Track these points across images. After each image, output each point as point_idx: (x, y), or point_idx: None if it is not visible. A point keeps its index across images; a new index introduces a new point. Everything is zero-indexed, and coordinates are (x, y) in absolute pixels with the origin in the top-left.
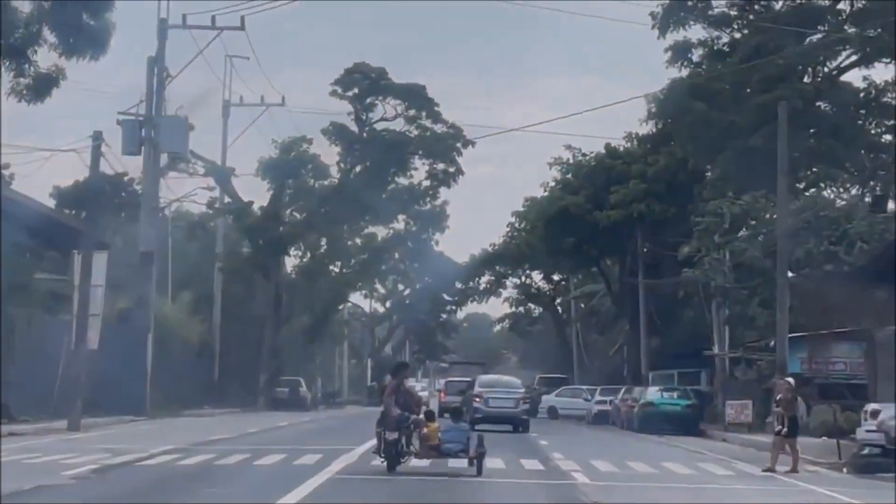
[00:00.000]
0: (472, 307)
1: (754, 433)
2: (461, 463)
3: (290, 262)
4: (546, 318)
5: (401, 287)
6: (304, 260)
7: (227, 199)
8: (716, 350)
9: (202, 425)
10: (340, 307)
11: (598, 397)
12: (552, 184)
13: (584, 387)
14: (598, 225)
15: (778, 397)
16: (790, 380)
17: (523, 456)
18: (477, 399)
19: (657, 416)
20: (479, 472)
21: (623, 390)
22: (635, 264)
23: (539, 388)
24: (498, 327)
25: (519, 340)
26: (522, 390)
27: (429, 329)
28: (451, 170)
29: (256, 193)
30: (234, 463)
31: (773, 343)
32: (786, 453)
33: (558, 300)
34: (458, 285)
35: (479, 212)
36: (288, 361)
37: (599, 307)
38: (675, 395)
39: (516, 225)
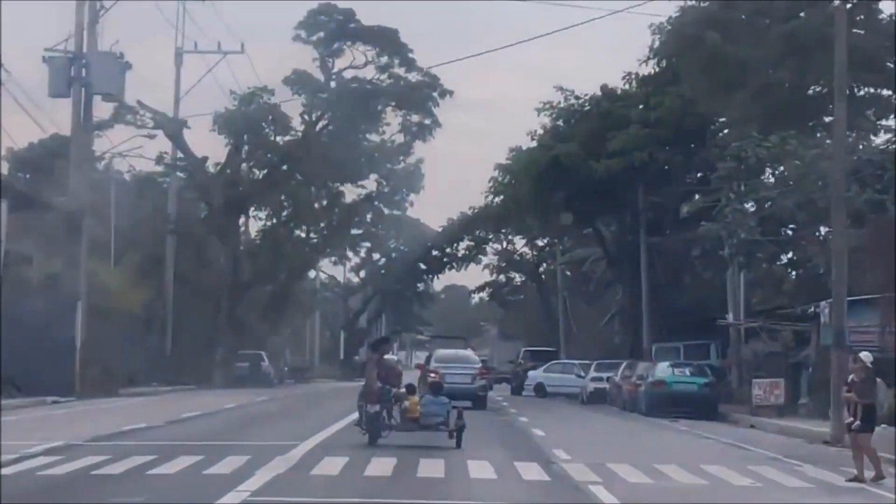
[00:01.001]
0: (449, 277)
1: (789, 418)
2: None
3: (253, 226)
4: (529, 288)
5: (375, 256)
6: (268, 224)
7: (179, 156)
8: (730, 318)
9: (132, 409)
10: (310, 275)
11: (593, 373)
12: (541, 132)
13: (576, 361)
14: (594, 177)
15: (850, 379)
16: (867, 355)
17: (518, 457)
18: (432, 375)
19: (669, 396)
20: (459, 445)
21: (623, 366)
22: (636, 222)
23: (524, 362)
24: (476, 299)
25: (498, 312)
26: (479, 366)
27: (405, 300)
28: (427, 122)
29: (212, 149)
30: (120, 473)
31: (812, 309)
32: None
33: (542, 267)
34: (435, 253)
35: (458, 174)
36: (251, 334)
37: (590, 274)
38: (688, 371)
39: (500, 180)
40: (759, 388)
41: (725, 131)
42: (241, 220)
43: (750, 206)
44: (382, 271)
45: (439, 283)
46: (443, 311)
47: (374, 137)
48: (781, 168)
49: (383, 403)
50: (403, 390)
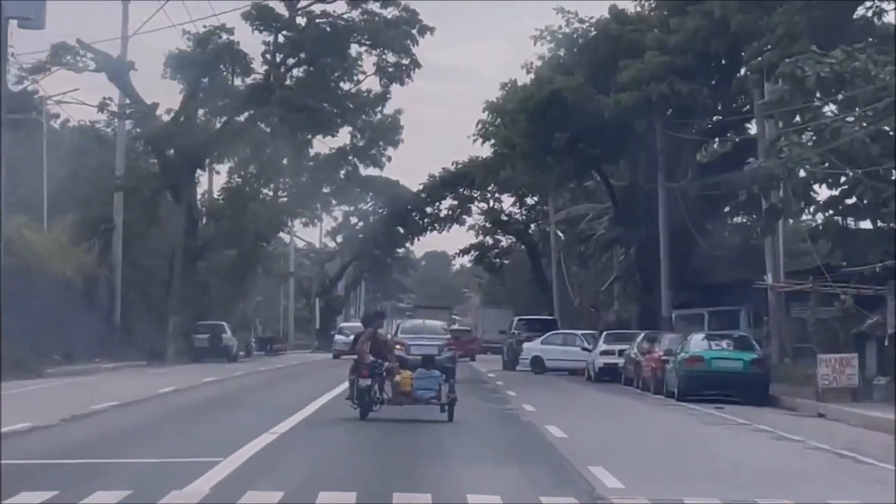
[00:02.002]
0: (430, 242)
1: (865, 404)
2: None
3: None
4: (517, 252)
5: (353, 220)
6: (231, 181)
7: (126, 102)
8: (769, 280)
9: (33, 397)
10: (284, 240)
11: (602, 346)
12: (539, 64)
13: (578, 332)
14: (602, 115)
15: None
16: None
17: (542, 485)
18: (398, 346)
19: (709, 377)
20: (451, 419)
21: (641, 338)
22: (651, 167)
23: (518, 333)
24: (457, 266)
25: (481, 279)
26: (447, 336)
27: (384, 266)
28: (406, 62)
29: (166, 97)
30: None
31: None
32: None
33: (533, 227)
34: (416, 216)
35: (437, 135)
36: (216, 302)
37: (588, 233)
38: (729, 345)
39: (490, 121)
40: (826, 367)
41: (766, 52)
42: (203, 176)
43: (807, 139)
44: (360, 235)
45: (419, 248)
46: (423, 278)
47: (348, 86)
48: (848, 91)
49: (375, 377)
50: (396, 364)
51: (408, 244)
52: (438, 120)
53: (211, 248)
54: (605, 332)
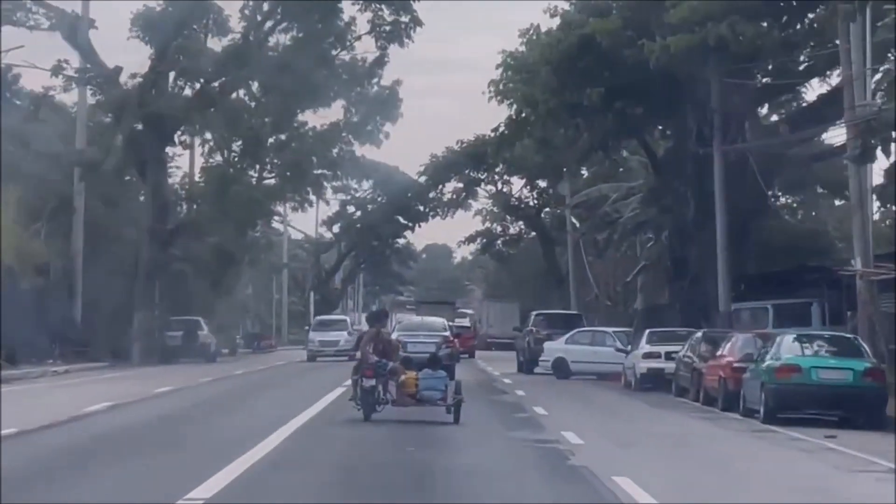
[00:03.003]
0: (431, 234)
1: None
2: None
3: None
4: (528, 241)
5: (350, 209)
6: (209, 159)
7: (86, 66)
8: (858, 264)
9: None
10: (278, 229)
11: (645, 347)
12: (567, 7)
13: (609, 329)
14: (645, 64)
15: None
16: None
17: None
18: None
19: (809, 392)
20: (457, 420)
21: (698, 337)
22: (704, 129)
23: (536, 330)
24: (459, 258)
25: (484, 271)
26: (446, 333)
27: (383, 257)
28: (405, 20)
29: (132, 62)
30: None
31: None
32: None
33: (546, 212)
34: (417, 206)
35: (436, 121)
36: (195, 296)
37: (613, 216)
38: (832, 349)
39: (507, 78)
40: None
41: None
42: (182, 157)
43: None
44: (358, 225)
45: (420, 240)
46: (424, 271)
47: (342, 54)
48: None
49: (379, 378)
50: (400, 364)
51: (408, 232)
52: (437, 111)
53: (184, 235)
54: (648, 331)
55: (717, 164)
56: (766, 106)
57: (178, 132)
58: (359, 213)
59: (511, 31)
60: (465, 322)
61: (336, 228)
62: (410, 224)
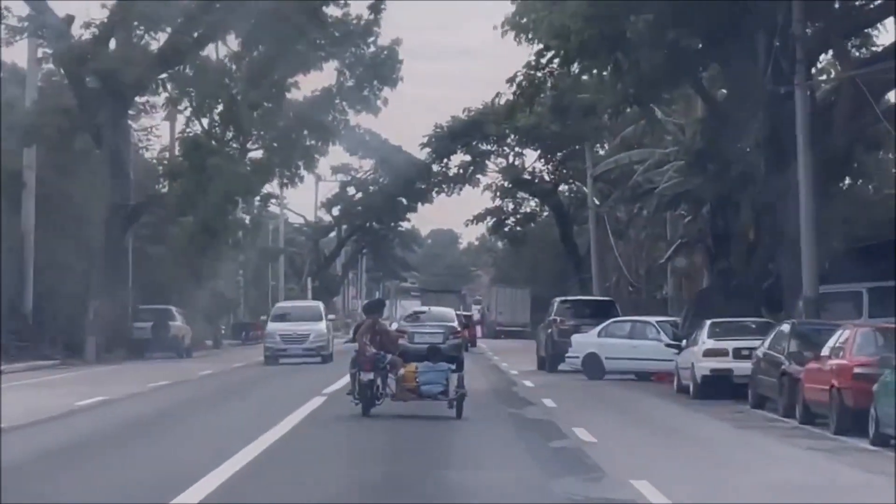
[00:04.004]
0: (435, 217)
1: None
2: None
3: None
4: (542, 223)
5: (350, 191)
6: (188, 128)
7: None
8: None
9: None
10: (275, 212)
11: (706, 342)
12: None
13: (652, 319)
14: None
15: None
16: None
17: None
18: (401, 335)
19: None
20: (459, 415)
21: (786, 331)
22: (783, 62)
23: (560, 320)
24: (464, 243)
25: (492, 256)
26: (453, 323)
27: (385, 241)
28: None
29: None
30: None
31: None
32: None
33: (563, 187)
34: (420, 186)
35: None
36: (175, 283)
37: (646, 186)
38: None
39: (525, 7)
40: None
41: None
42: (158, 124)
43: None
44: (359, 207)
45: (425, 225)
46: (429, 257)
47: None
48: None
49: (377, 371)
50: (399, 356)
51: (412, 214)
52: (443, 75)
53: (154, 213)
54: (709, 322)
55: (801, 106)
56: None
57: (140, 93)
58: (360, 194)
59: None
60: (466, 312)
61: (336, 211)
62: (414, 205)
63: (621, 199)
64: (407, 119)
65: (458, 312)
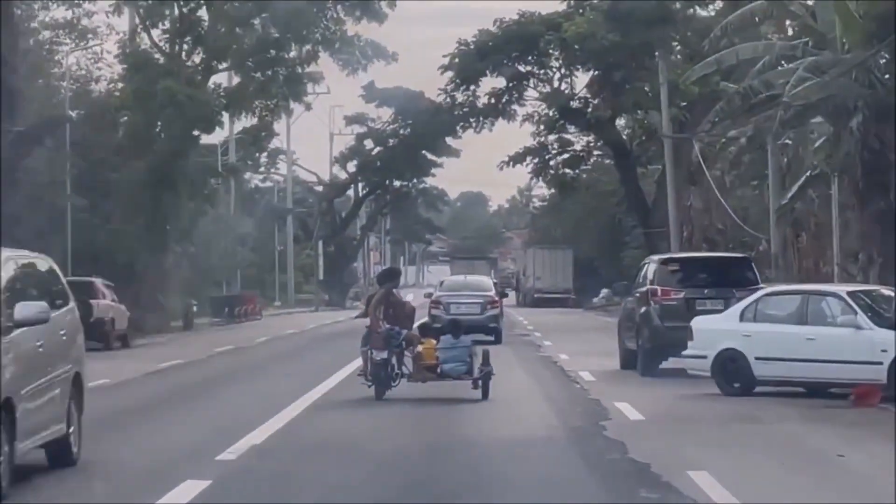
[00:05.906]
0: (463, 179)
1: None
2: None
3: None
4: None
5: (368, 144)
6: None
7: None
8: None
9: None
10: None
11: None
12: None
13: (844, 288)
14: None
15: None
16: None
17: None
18: (436, 306)
19: None
20: (485, 396)
21: None
22: None
23: (664, 290)
24: (494, 206)
25: (526, 215)
26: (490, 293)
27: (409, 200)
28: None
29: None
30: None
31: None
32: None
33: (620, 121)
34: (448, 140)
35: None
36: (122, 249)
37: (755, 97)
38: None
39: None
40: None
41: None
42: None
43: None
44: (378, 163)
45: (453, 187)
46: (457, 220)
47: None
48: None
49: (392, 349)
50: (416, 332)
51: (440, 166)
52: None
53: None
54: None
55: None
56: None
57: None
58: (378, 148)
59: None
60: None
61: (352, 167)
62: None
63: (728, 113)
64: (428, 64)
65: (493, 280)
